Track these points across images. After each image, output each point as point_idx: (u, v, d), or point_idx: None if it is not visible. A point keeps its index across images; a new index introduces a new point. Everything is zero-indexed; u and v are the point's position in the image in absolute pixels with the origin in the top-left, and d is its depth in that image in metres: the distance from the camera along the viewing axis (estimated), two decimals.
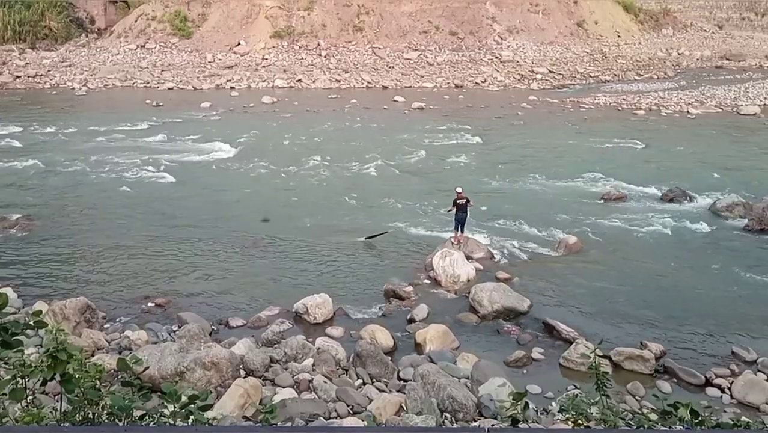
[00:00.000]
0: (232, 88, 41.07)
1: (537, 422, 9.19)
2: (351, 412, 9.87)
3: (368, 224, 18.58)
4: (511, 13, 52.16)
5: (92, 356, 10.96)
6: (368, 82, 42.76)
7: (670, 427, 3.65)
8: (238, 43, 47.83)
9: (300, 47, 48.16)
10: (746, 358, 12.03)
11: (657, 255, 17.01)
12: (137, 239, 17.68)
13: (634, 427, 3.97)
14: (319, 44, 48.47)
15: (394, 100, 37.67)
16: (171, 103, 36.55)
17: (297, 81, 42.55)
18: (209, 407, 3.62)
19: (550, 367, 11.93)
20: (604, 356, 10.11)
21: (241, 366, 11.14)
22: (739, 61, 52.31)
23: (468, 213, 17.08)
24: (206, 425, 3.28)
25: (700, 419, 3.52)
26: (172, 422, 3.24)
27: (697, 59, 52.48)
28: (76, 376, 3.25)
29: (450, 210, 17.15)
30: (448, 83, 42.84)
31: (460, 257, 15.62)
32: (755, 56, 53.50)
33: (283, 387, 10.55)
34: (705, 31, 60.93)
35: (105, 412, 3.32)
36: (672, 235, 18.37)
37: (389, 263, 16.54)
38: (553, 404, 10.36)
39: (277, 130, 30.28)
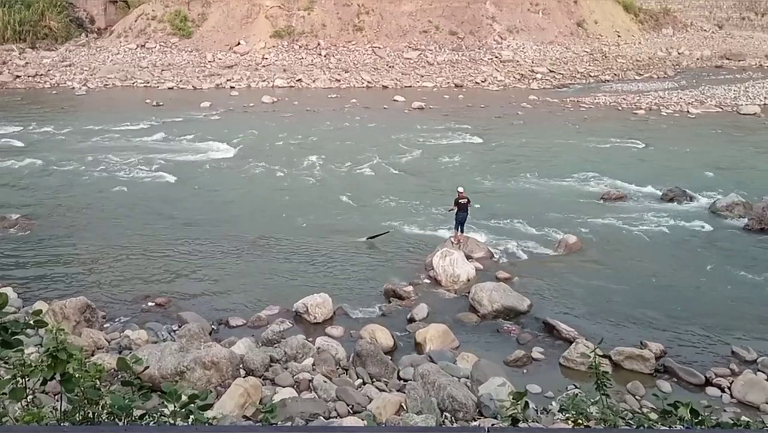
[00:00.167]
0: (232, 87, 41.07)
1: (537, 422, 9.20)
2: (351, 411, 9.87)
3: (368, 223, 18.58)
4: (511, 12, 52.17)
5: (92, 355, 10.96)
6: (368, 82, 42.76)
7: (670, 426, 3.64)
8: (238, 43, 47.83)
9: (300, 47, 48.17)
10: (746, 357, 12.02)
11: (657, 255, 17.01)
12: (137, 238, 17.68)
13: (634, 426, 3.96)
14: (319, 44, 48.47)
15: (394, 100, 37.68)
16: (171, 102, 36.55)
17: (297, 81, 42.55)
18: (209, 406, 3.62)
19: (550, 366, 11.93)
20: (604, 356, 10.08)
21: (241, 366, 11.13)
22: (739, 60, 52.32)
23: (468, 213, 17.10)
24: (206, 424, 3.28)
25: (700, 418, 3.52)
26: (172, 421, 3.24)
27: (697, 59, 52.50)
28: (76, 375, 3.25)
29: (452, 209, 17.14)
30: (448, 83, 42.84)
31: (460, 257, 15.61)
32: (755, 56, 53.53)
33: (283, 387, 10.54)
34: (705, 30, 60.95)
35: (105, 411, 3.31)
36: (672, 234, 18.37)
37: (389, 262, 16.54)
38: (553, 403, 10.36)
39: (277, 129, 30.27)
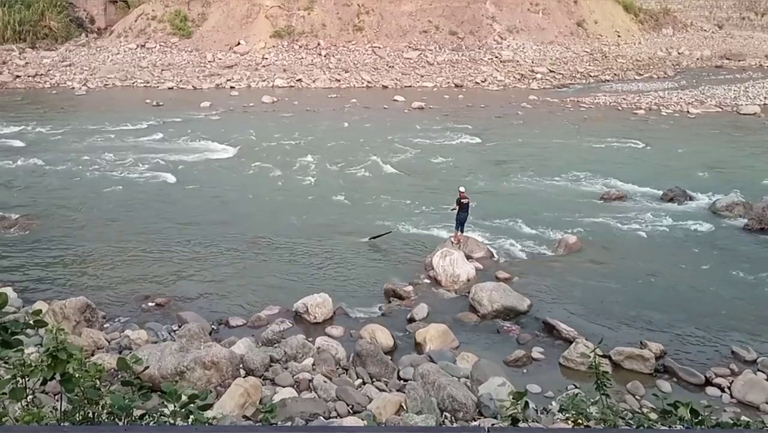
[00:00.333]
0: (232, 87, 41.07)
1: (537, 422, 9.20)
2: (351, 411, 9.86)
3: (368, 223, 18.58)
4: (511, 12, 52.18)
5: (92, 355, 10.96)
6: (368, 82, 42.76)
7: (670, 426, 3.64)
8: (238, 43, 47.84)
9: (300, 47, 48.17)
10: (746, 357, 12.02)
11: (656, 255, 17.01)
12: (137, 238, 17.68)
13: (634, 426, 3.97)
14: (319, 44, 48.48)
15: (394, 100, 37.68)
16: (171, 102, 36.55)
17: (297, 80, 42.56)
18: (209, 406, 3.62)
19: (550, 366, 11.92)
20: (604, 356, 10.09)
21: (241, 365, 11.13)
22: (739, 60, 52.34)
23: (469, 213, 17.09)
24: (206, 424, 3.28)
25: (700, 418, 3.52)
26: (172, 421, 3.24)
27: (697, 59, 52.51)
28: (76, 375, 3.25)
29: (454, 209, 17.10)
30: (448, 83, 42.84)
31: (460, 257, 15.61)
32: (755, 56, 53.55)
33: (283, 387, 10.54)
34: (705, 30, 60.97)
35: (105, 411, 3.31)
36: (672, 234, 18.36)
37: (389, 262, 16.54)
38: (553, 403, 10.37)
39: (277, 129, 30.27)
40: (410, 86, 41.98)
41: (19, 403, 3.34)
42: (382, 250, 17.21)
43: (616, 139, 29.10)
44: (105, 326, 12.99)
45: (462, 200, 16.83)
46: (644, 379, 11.41)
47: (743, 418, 8.62)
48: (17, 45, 47.14)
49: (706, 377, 11.47)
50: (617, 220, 19.18)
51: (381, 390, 10.69)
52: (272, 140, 28.29)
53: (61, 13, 50.06)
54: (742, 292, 14.90)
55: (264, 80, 42.49)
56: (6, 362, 3.25)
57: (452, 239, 16.87)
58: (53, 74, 43.10)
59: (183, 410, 3.25)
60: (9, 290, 13.23)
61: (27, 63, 44.79)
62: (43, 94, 39.37)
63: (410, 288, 14.78)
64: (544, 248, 17.30)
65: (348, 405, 10.01)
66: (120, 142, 27.87)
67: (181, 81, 42.13)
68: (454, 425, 9.50)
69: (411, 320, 13.45)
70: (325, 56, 47.13)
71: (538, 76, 44.94)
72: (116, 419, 3.24)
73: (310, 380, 10.72)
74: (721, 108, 35.98)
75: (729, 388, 11.19)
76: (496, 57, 48.08)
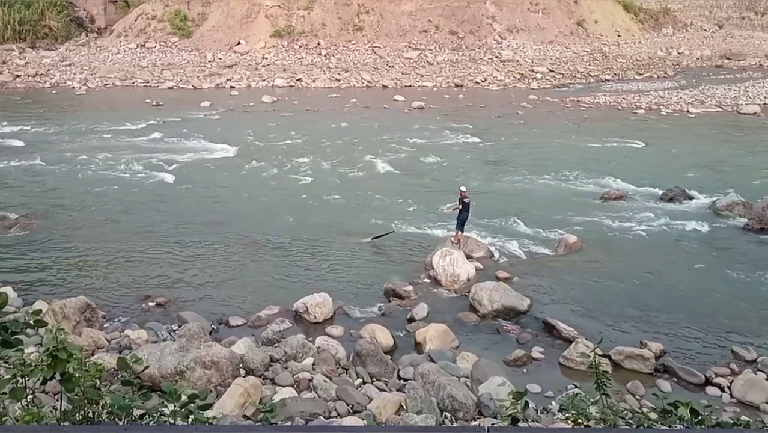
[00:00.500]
0: (232, 87, 41.07)
1: (537, 421, 9.20)
2: (351, 411, 9.86)
3: (368, 223, 18.59)
4: (511, 12, 52.17)
5: (92, 355, 10.96)
6: (368, 82, 42.76)
7: (670, 426, 3.64)
8: (238, 43, 47.83)
9: (300, 46, 48.16)
10: (746, 357, 12.02)
11: (656, 254, 17.01)
12: (137, 238, 17.68)
13: (634, 426, 3.96)
14: (319, 43, 48.47)
15: (394, 100, 37.68)
16: (171, 102, 36.55)
17: (297, 80, 42.56)
18: (209, 406, 3.62)
19: (550, 366, 11.93)
20: (604, 355, 10.09)
21: (241, 365, 11.13)
22: (739, 60, 52.33)
23: (470, 213, 17.08)
24: (206, 424, 3.28)
25: (699, 418, 3.52)
26: (172, 421, 3.24)
27: (697, 58, 52.51)
28: (76, 375, 3.25)
29: (456, 208, 17.08)
30: (448, 82, 42.84)
31: (460, 256, 15.61)
32: (755, 55, 53.54)
33: (283, 386, 10.54)
34: (705, 30, 60.95)
35: (105, 411, 3.31)
36: (672, 234, 18.36)
37: (389, 262, 16.54)
38: (553, 403, 10.37)
39: (277, 129, 30.28)
40: (410, 86, 41.97)
41: (19, 403, 3.34)
42: (382, 249, 17.21)
43: (616, 138, 29.10)
44: (105, 325, 12.99)
45: (464, 200, 16.82)
46: (644, 379, 11.41)
47: (743, 418, 8.64)
48: (17, 45, 47.13)
49: (706, 376, 11.47)
50: (617, 219, 19.18)
51: (381, 390, 10.69)
52: (272, 140, 28.29)
53: (61, 12, 50.04)
54: (742, 292, 14.90)
55: (264, 80, 42.49)
56: (6, 362, 3.25)
57: (452, 239, 16.87)
58: (53, 74, 43.10)
59: (183, 409, 3.25)
60: (9, 290, 13.23)
61: (27, 63, 44.79)
62: (43, 93, 39.37)
63: (410, 288, 14.78)
64: (544, 247, 17.30)
65: (348, 405, 10.01)
66: (120, 141, 27.87)
67: (181, 81, 42.13)
68: (454, 424, 9.50)
69: (411, 320, 13.45)
70: (325, 56, 47.13)
71: (538, 75, 44.94)
72: (116, 419, 3.24)
73: (310, 380, 10.71)
74: (721, 108, 35.98)
75: (729, 388, 11.19)
76: (496, 57, 48.08)
